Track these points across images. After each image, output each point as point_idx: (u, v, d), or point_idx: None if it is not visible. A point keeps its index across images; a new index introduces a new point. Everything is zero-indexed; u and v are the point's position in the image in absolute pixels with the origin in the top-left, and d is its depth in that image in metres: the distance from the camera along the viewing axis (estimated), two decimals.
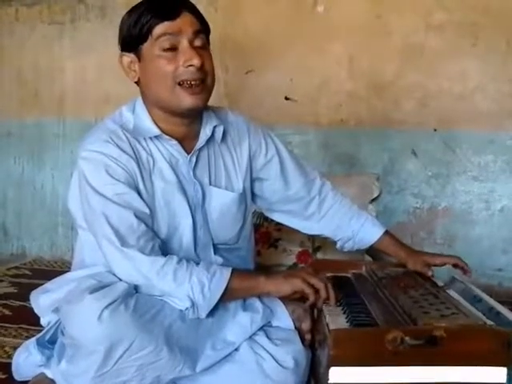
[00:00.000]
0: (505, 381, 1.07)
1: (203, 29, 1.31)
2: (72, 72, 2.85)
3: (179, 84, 1.27)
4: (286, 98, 2.53)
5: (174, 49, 1.27)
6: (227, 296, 1.26)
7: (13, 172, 2.98)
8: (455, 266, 1.53)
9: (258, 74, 2.53)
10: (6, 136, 2.97)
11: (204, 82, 1.30)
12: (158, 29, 1.26)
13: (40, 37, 2.88)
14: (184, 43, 1.27)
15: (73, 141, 2.83)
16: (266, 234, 2.20)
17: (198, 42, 1.29)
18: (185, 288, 1.22)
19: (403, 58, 2.39)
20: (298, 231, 1.67)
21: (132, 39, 1.29)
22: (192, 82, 1.27)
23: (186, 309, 1.23)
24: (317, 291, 1.28)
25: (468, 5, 2.31)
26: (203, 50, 1.30)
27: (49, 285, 1.43)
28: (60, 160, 2.89)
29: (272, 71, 2.53)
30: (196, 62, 1.26)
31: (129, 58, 1.32)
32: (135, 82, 1.36)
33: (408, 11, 2.37)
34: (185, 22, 1.27)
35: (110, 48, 2.64)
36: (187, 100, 1.29)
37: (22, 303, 2.08)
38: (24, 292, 1.98)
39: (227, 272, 1.26)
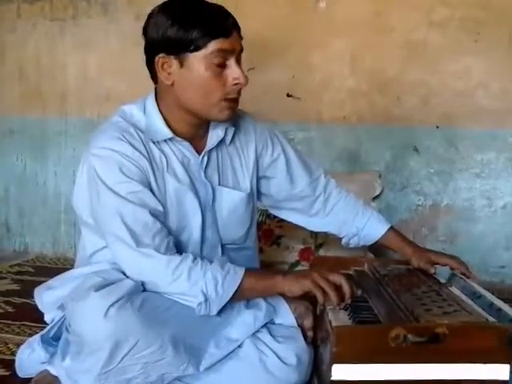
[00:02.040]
0: (507, 378, 1.07)
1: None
2: (74, 69, 2.84)
3: (225, 99, 1.30)
4: (288, 95, 2.53)
5: (222, 64, 1.28)
6: (239, 295, 1.26)
7: (15, 169, 2.98)
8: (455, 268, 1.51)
9: (259, 71, 2.53)
10: (8, 133, 2.97)
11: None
12: (215, 44, 1.25)
13: (42, 33, 2.87)
14: (232, 61, 1.28)
15: (75, 138, 2.84)
16: (269, 231, 2.21)
17: (240, 60, 1.32)
18: (199, 285, 1.23)
19: (405, 54, 2.39)
20: (302, 228, 1.68)
21: (180, 45, 1.26)
22: (235, 99, 1.32)
23: (199, 303, 1.23)
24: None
25: (470, 1, 2.30)
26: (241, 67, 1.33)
27: (53, 281, 1.43)
28: (62, 157, 2.89)
29: (274, 68, 2.52)
30: (243, 81, 1.29)
31: (166, 59, 1.29)
32: (154, 82, 1.36)
33: (410, 7, 2.36)
34: (236, 40, 1.29)
35: (112, 45, 2.69)
36: (226, 114, 1.32)
37: (24, 300, 2.09)
38: (27, 289, 1.99)
39: (241, 271, 1.26)
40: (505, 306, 1.20)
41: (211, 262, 1.28)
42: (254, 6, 2.53)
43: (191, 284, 1.23)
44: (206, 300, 1.23)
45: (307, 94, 2.51)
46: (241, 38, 1.32)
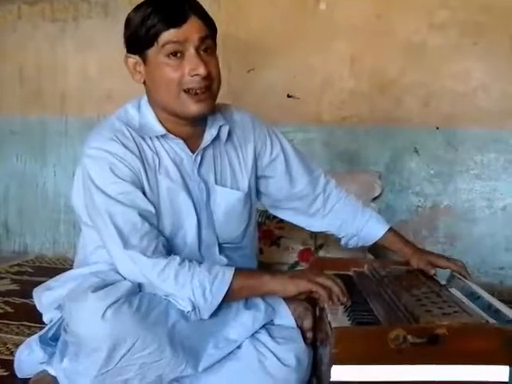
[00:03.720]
0: (507, 379, 1.06)
1: (210, 33, 1.29)
2: (74, 69, 2.85)
3: (184, 91, 1.27)
4: (289, 96, 2.53)
5: (180, 56, 1.25)
6: (229, 297, 1.25)
7: (15, 169, 2.98)
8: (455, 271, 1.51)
9: (260, 72, 2.53)
10: (8, 133, 2.98)
11: (209, 88, 1.29)
12: (164, 36, 1.24)
13: (42, 34, 2.88)
14: (190, 50, 1.25)
15: (75, 138, 2.84)
16: (268, 232, 2.20)
17: (204, 49, 1.27)
18: (186, 290, 1.22)
19: (406, 56, 2.39)
20: (301, 228, 1.67)
21: (137, 42, 1.27)
22: (197, 91, 1.27)
23: (188, 312, 1.23)
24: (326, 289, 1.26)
25: (471, 3, 2.30)
26: (209, 55, 1.29)
27: (52, 282, 1.43)
28: (62, 157, 2.90)
29: (274, 69, 2.52)
30: (202, 71, 1.24)
31: (134, 59, 1.31)
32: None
33: (411, 10, 2.37)
34: (192, 28, 1.24)
35: (113, 45, 2.68)
36: (192, 107, 1.28)
37: (24, 300, 2.10)
38: (26, 289, 1.99)
39: (229, 273, 1.25)
40: (503, 307, 1.20)
41: (200, 263, 1.27)
42: (254, 8, 2.54)
43: (179, 286, 1.22)
44: (195, 308, 1.23)
45: (308, 95, 2.51)
46: (205, 21, 1.28)
